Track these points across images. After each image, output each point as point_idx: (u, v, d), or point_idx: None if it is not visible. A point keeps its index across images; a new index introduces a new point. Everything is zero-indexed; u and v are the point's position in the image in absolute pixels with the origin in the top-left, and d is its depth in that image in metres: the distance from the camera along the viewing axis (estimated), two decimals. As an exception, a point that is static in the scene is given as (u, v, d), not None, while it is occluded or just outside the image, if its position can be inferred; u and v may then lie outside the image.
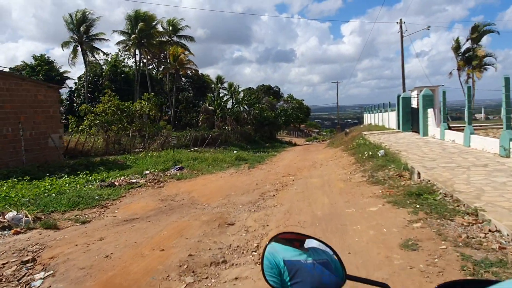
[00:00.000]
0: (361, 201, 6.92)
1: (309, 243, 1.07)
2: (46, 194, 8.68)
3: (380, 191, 7.53)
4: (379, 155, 11.91)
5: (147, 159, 16.50)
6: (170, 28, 36.07)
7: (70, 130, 21.81)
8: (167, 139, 25.93)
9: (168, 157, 16.36)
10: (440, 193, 6.50)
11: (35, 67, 30.60)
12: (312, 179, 10.55)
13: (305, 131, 74.70)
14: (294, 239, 1.08)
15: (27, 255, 4.93)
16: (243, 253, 4.75)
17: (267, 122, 39.66)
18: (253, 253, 4.73)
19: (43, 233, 5.89)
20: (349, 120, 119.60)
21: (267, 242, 1.08)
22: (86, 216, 6.94)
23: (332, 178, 10.39)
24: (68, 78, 35.04)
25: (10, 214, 6.55)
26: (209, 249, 4.88)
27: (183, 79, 42.33)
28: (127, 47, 32.67)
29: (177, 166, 14.06)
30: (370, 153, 12.58)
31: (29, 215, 6.64)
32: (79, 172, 12.46)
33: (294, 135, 65.67)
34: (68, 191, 9.12)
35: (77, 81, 34.00)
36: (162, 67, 38.39)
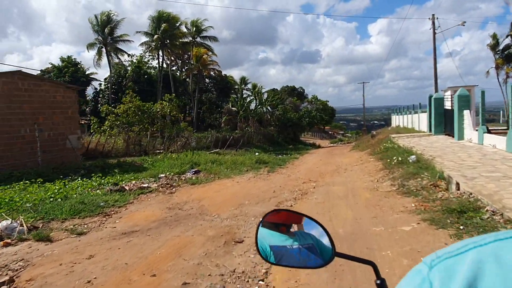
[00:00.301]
0: (391, 217, 5.96)
1: (295, 227, 1.05)
2: (51, 199, 8.24)
3: (413, 205, 6.54)
4: (410, 161, 10.80)
5: (165, 161, 16.04)
6: (194, 29, 35.85)
7: (92, 131, 21.79)
8: (187, 141, 25.57)
9: (186, 160, 15.81)
10: (487, 211, 5.46)
11: (62, 68, 31.16)
12: (334, 187, 9.61)
13: (330, 132, 73.01)
14: (280, 224, 1.05)
15: (7, 274, 4.36)
16: (248, 281, 3.96)
17: (290, 124, 38.69)
18: (260, 282, 3.94)
19: (33, 246, 5.34)
20: (376, 122, 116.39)
21: (258, 225, 1.04)
22: (85, 226, 6.37)
23: (357, 186, 9.42)
24: (94, 79, 35.48)
25: (4, 223, 6.06)
26: (209, 275, 4.12)
27: (207, 80, 42.05)
28: (150, 48, 32.72)
29: (194, 170, 13.45)
30: (400, 158, 11.48)
31: (24, 224, 6.13)
32: (93, 175, 12.09)
33: (319, 136, 64.25)
34: (75, 196, 8.66)
35: (102, 82, 34.37)
36: (185, 68, 38.24)
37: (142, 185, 10.13)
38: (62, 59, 31.85)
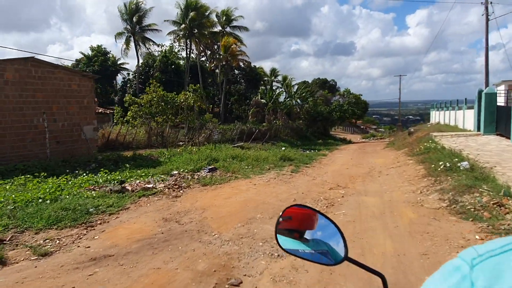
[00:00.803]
0: (449, 256, 4.27)
1: (309, 234, 1.03)
2: (40, 200, 7.17)
3: (477, 237, 4.79)
4: (461, 168, 8.86)
5: (183, 155, 14.86)
6: (224, 18, 34.44)
7: (115, 121, 21.07)
8: (212, 133, 24.41)
9: (204, 154, 14.49)
10: None
11: (91, 58, 30.82)
12: (367, 197, 7.92)
13: (362, 127, 69.84)
14: (294, 230, 1.04)
15: None
16: None
17: (320, 118, 36.64)
18: None
19: (-23, 272, 4.16)
20: (411, 117, 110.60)
21: (275, 232, 1.06)
22: (58, 241, 5.15)
23: (395, 198, 7.67)
24: (125, 68, 34.96)
25: (-40, 236, 4.97)
26: None
27: (236, 71, 40.69)
28: (178, 37, 31.69)
29: (210, 167, 12.13)
30: (448, 163, 9.52)
31: (-16, 237, 5.01)
32: (102, 169, 11.07)
33: (350, 131, 61.49)
34: (67, 197, 7.55)
35: (131, 71, 33.76)
36: (213, 57, 36.94)
37: (147, 185, 8.90)
38: (92, 48, 31.56)
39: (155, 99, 21.27)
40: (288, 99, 38.02)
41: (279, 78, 51.13)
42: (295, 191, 8.86)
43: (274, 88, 41.60)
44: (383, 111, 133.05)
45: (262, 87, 42.94)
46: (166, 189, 8.74)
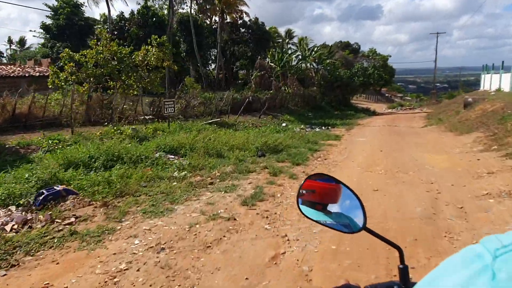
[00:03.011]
0: None
1: (331, 207, 0.97)
2: None
3: None
4: None
5: (79, 147, 7.68)
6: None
7: (49, 86, 14.10)
8: (188, 104, 17.08)
9: (112, 147, 7.25)
10: None
11: (57, 9, 23.52)
12: None
13: (387, 95, 59.83)
14: (316, 202, 1.00)
15: None
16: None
17: (338, 83, 28.19)
18: None
19: None
20: (438, 84, 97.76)
21: (297, 201, 1.01)
22: None
23: None
24: (98, 24, 27.32)
25: None
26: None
27: (241, 29, 32.31)
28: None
29: (58, 188, 4.92)
30: None
31: None
32: None
33: (373, 99, 52.06)
34: None
35: (104, 26, 26.21)
36: (204, 9, 28.49)
37: None
38: (57, -2, 24.00)
39: (101, 55, 14.00)
40: (301, 61, 29.55)
41: (295, 40, 42.18)
42: None
43: (285, 50, 33.05)
44: (408, 78, 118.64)
45: (273, 49, 34.53)
46: None
